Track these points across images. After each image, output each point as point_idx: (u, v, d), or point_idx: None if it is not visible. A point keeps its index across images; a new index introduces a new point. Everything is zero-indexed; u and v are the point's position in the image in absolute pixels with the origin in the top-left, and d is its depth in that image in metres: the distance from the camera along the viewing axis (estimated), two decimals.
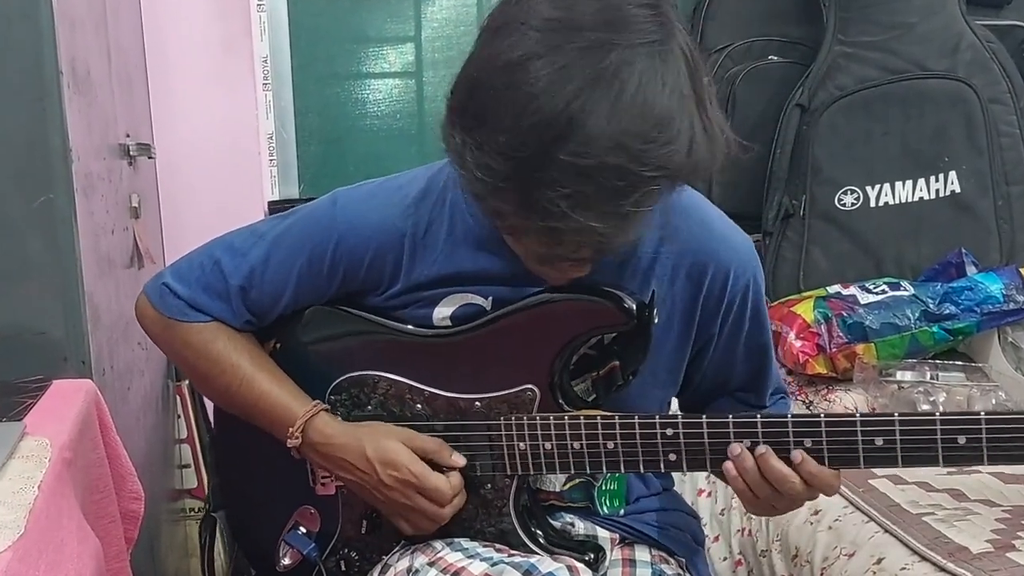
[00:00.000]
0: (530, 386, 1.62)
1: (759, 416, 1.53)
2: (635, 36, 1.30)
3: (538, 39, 1.30)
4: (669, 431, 1.55)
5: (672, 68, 1.31)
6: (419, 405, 1.68)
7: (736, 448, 1.52)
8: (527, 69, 1.29)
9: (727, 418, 1.54)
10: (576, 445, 1.59)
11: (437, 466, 1.64)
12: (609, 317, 1.59)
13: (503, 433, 1.64)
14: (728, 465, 1.53)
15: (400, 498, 1.64)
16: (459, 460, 1.65)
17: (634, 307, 1.57)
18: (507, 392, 1.64)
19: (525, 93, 1.28)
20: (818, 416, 1.51)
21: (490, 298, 1.67)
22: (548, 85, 1.27)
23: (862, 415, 1.49)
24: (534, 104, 1.28)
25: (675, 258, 1.67)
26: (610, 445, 1.58)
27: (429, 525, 1.66)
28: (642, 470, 1.61)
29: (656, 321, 1.61)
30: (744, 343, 1.76)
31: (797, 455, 1.50)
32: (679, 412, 1.81)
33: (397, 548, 1.74)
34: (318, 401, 1.71)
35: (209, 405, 1.91)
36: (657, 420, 1.56)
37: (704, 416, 1.55)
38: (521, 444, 1.63)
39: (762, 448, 1.51)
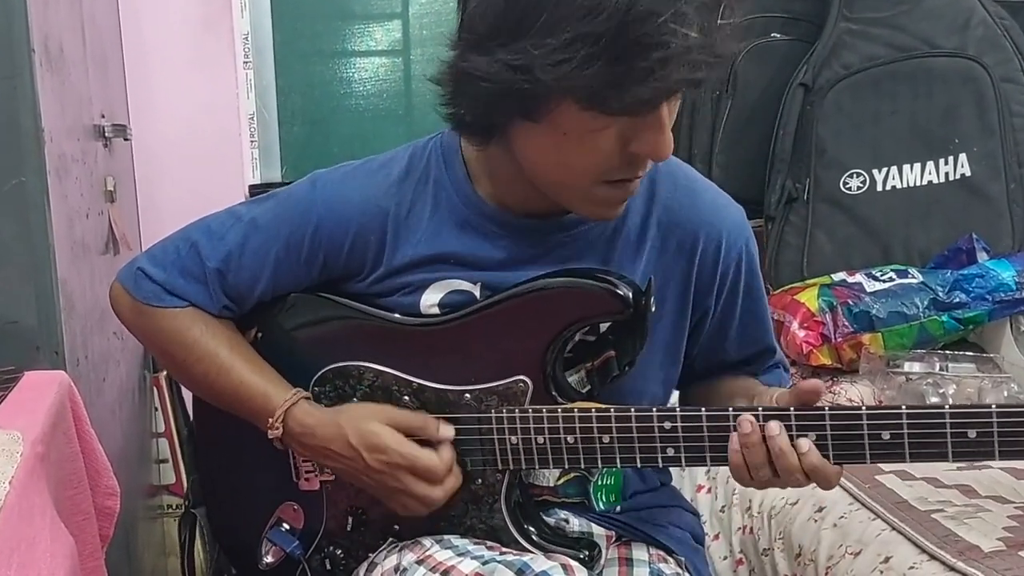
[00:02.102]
0: (522, 377, 1.62)
1: (760, 408, 1.53)
2: None
3: None
4: (667, 424, 1.55)
5: None
6: (406, 397, 1.68)
7: (746, 425, 1.50)
8: None
9: (727, 410, 1.53)
10: (570, 439, 1.59)
11: (425, 443, 1.64)
12: (604, 305, 1.59)
13: (494, 426, 1.63)
14: (732, 436, 1.52)
15: (391, 482, 1.63)
16: (447, 431, 1.64)
17: (630, 295, 1.57)
18: (498, 384, 1.63)
19: None
20: (822, 409, 1.50)
21: (479, 284, 1.67)
22: None
23: (868, 408, 1.48)
24: None
25: (664, 229, 1.69)
26: (605, 439, 1.57)
27: (423, 508, 1.65)
28: (639, 465, 1.60)
29: (653, 309, 1.62)
30: (739, 316, 1.78)
31: (804, 444, 1.49)
32: (677, 404, 1.82)
33: (384, 545, 1.74)
34: (298, 389, 1.71)
35: (188, 397, 1.91)
36: (654, 413, 1.55)
37: (703, 409, 1.54)
38: (513, 438, 1.62)
39: (775, 428, 1.50)
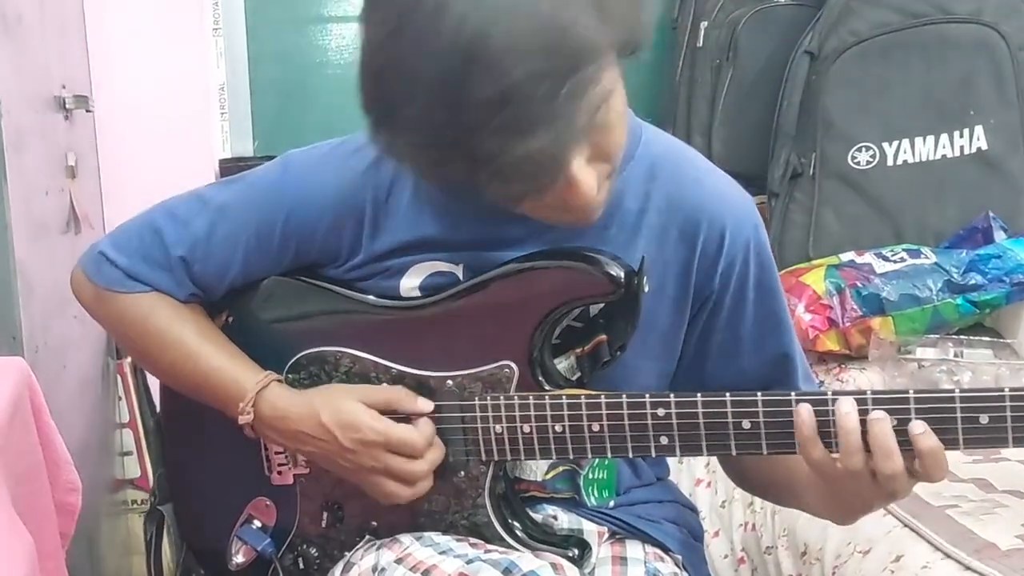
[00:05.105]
0: (507, 362, 1.62)
1: (759, 394, 1.51)
2: None
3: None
4: (660, 411, 1.54)
5: None
6: (385, 384, 1.68)
7: (845, 405, 1.45)
8: (400, 36, 1.32)
9: (724, 396, 1.52)
10: (558, 428, 1.59)
11: (404, 419, 1.63)
12: (594, 286, 1.58)
13: (478, 415, 1.63)
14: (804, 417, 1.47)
15: (369, 461, 1.61)
16: (425, 404, 1.63)
17: (622, 275, 1.56)
18: (482, 369, 1.63)
19: (409, 57, 1.31)
20: (826, 393, 1.49)
21: (462, 265, 1.67)
22: (425, 35, 1.28)
23: (874, 392, 1.47)
24: (418, 61, 1.29)
25: (664, 215, 1.67)
26: (595, 427, 1.57)
27: (406, 490, 1.63)
28: (631, 455, 1.60)
29: (646, 290, 1.60)
30: (752, 315, 1.74)
31: (919, 425, 1.44)
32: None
33: (361, 544, 1.73)
34: (270, 372, 1.71)
35: (154, 386, 1.91)
36: (647, 399, 1.55)
37: (699, 395, 1.53)
38: (497, 427, 1.62)
39: (878, 414, 1.45)
